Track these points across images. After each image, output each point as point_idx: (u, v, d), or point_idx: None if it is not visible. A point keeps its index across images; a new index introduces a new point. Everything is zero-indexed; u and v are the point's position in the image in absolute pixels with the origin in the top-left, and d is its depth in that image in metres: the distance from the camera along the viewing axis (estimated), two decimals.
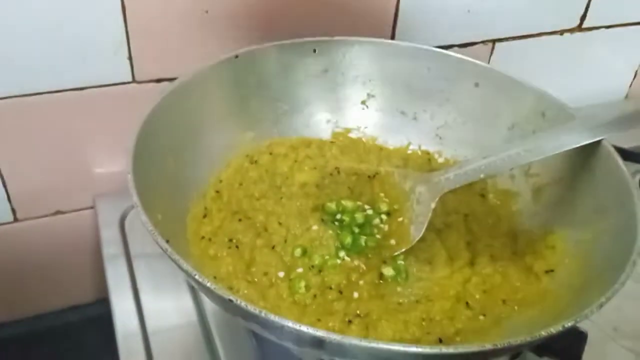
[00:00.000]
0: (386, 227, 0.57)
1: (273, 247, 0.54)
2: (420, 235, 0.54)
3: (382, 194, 0.59)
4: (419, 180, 0.57)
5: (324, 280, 0.51)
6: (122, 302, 0.61)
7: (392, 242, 0.56)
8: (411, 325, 0.49)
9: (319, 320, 0.48)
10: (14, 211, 0.70)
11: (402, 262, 0.54)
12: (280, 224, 0.56)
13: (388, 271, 0.53)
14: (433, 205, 0.54)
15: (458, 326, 0.49)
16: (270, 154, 0.64)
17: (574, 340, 0.52)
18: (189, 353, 0.57)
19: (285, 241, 0.54)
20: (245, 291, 0.50)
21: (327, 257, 0.53)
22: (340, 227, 0.56)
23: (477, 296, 0.52)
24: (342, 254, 0.53)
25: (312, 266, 0.52)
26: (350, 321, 0.48)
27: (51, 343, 0.79)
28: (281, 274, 0.52)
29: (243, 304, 0.36)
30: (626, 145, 0.62)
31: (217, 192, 0.59)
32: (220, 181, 0.60)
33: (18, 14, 0.58)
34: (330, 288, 0.51)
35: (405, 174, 0.59)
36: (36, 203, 0.71)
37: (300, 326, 0.35)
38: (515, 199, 0.61)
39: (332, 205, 0.58)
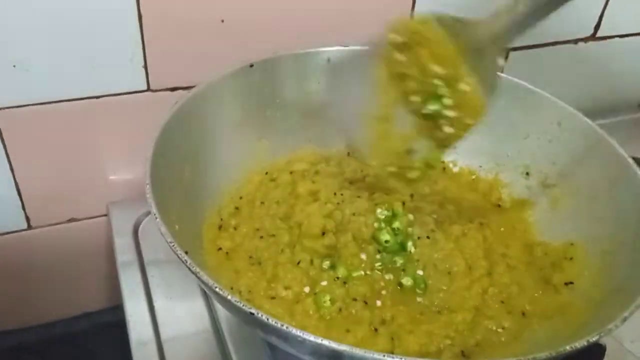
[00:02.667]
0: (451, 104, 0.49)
1: (298, 263, 0.53)
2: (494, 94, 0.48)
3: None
4: (470, 32, 0.48)
5: (348, 292, 0.51)
6: (136, 309, 0.60)
7: (466, 119, 0.50)
8: (435, 336, 0.49)
9: (347, 331, 0.48)
10: (27, 219, 0.70)
11: (422, 273, 0.53)
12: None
13: (407, 281, 0.52)
14: (502, 62, 0.49)
15: (478, 337, 0.49)
16: (291, 172, 0.63)
17: (592, 352, 0.51)
18: None
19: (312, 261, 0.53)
20: (267, 306, 0.49)
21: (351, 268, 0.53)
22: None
23: (496, 306, 0.52)
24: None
25: (337, 278, 0.52)
26: (376, 329, 0.48)
27: (64, 350, 0.79)
28: (306, 289, 0.51)
29: (265, 317, 0.36)
30: None
31: (237, 208, 0.59)
32: (240, 197, 0.60)
33: (34, 23, 0.58)
34: (355, 299, 0.51)
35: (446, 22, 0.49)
36: (50, 210, 0.71)
37: (322, 340, 0.35)
38: (532, 209, 0.61)
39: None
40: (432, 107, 0.49)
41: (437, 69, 0.48)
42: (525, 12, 0.46)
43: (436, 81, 0.49)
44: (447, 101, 0.49)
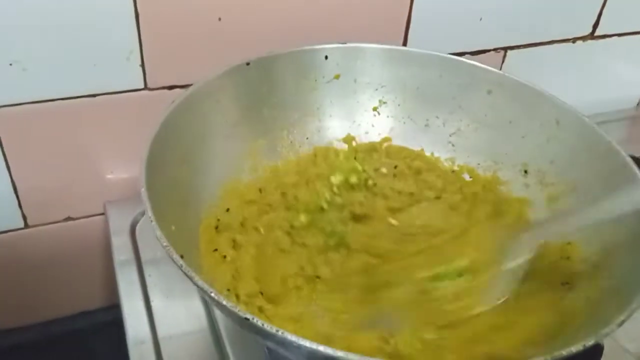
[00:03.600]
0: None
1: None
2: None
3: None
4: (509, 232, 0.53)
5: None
6: (133, 308, 0.60)
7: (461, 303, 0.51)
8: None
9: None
10: (24, 217, 0.70)
11: None
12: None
13: None
14: (529, 256, 0.51)
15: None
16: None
17: (589, 353, 0.51)
18: (199, 359, 0.57)
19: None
20: (268, 307, 0.50)
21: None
22: None
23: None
24: None
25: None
26: None
27: (61, 349, 0.79)
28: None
29: (260, 322, 0.36)
30: None
31: (228, 209, 0.59)
32: (238, 197, 0.60)
33: (31, 22, 0.58)
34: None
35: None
36: (47, 209, 0.71)
37: (317, 346, 0.35)
38: (530, 207, 0.61)
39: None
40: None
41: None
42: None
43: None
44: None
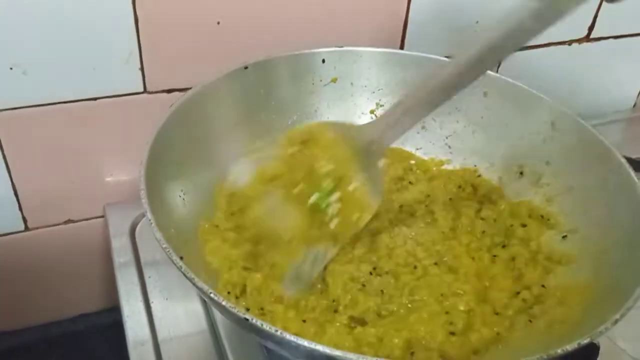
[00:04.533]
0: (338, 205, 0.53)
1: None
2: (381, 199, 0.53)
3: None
4: (353, 136, 0.53)
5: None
6: (133, 310, 0.61)
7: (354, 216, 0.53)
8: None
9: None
10: (25, 220, 0.70)
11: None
12: None
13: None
14: (381, 164, 0.53)
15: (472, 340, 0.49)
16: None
17: (585, 352, 0.52)
18: None
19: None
20: (269, 308, 0.50)
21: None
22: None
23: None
24: None
25: None
26: None
27: (61, 351, 0.79)
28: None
29: (259, 322, 0.36)
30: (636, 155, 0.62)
31: (233, 211, 0.59)
32: (237, 199, 0.60)
33: (31, 25, 0.58)
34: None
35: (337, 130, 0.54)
36: (47, 212, 0.71)
37: (316, 345, 0.35)
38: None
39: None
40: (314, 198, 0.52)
41: (328, 167, 0.52)
42: (397, 117, 0.50)
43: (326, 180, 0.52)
44: (334, 196, 0.52)
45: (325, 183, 0.52)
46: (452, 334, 0.49)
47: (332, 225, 0.52)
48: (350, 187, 0.52)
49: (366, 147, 0.52)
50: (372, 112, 0.68)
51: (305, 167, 0.53)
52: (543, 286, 0.53)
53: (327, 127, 0.55)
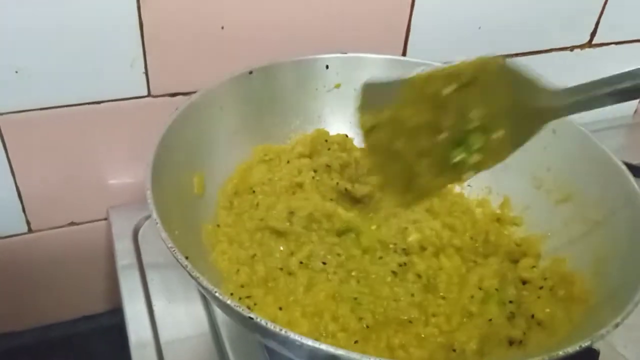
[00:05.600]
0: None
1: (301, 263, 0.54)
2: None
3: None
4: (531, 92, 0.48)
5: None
6: (136, 312, 0.61)
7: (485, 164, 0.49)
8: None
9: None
10: (28, 222, 0.71)
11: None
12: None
13: None
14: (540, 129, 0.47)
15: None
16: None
17: (585, 358, 0.52)
18: None
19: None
20: (270, 308, 0.50)
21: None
22: None
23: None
24: None
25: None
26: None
27: (63, 353, 0.79)
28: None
29: (263, 321, 0.37)
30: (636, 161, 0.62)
31: (236, 213, 0.60)
32: (238, 200, 0.61)
33: (36, 30, 0.59)
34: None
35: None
36: (50, 214, 0.71)
37: (319, 344, 0.35)
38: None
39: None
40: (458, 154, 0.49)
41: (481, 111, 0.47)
42: (588, 98, 0.47)
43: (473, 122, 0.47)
44: (477, 144, 0.48)
45: (474, 138, 0.48)
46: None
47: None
48: (495, 136, 0.47)
49: (534, 110, 0.47)
50: None
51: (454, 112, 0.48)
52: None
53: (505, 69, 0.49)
